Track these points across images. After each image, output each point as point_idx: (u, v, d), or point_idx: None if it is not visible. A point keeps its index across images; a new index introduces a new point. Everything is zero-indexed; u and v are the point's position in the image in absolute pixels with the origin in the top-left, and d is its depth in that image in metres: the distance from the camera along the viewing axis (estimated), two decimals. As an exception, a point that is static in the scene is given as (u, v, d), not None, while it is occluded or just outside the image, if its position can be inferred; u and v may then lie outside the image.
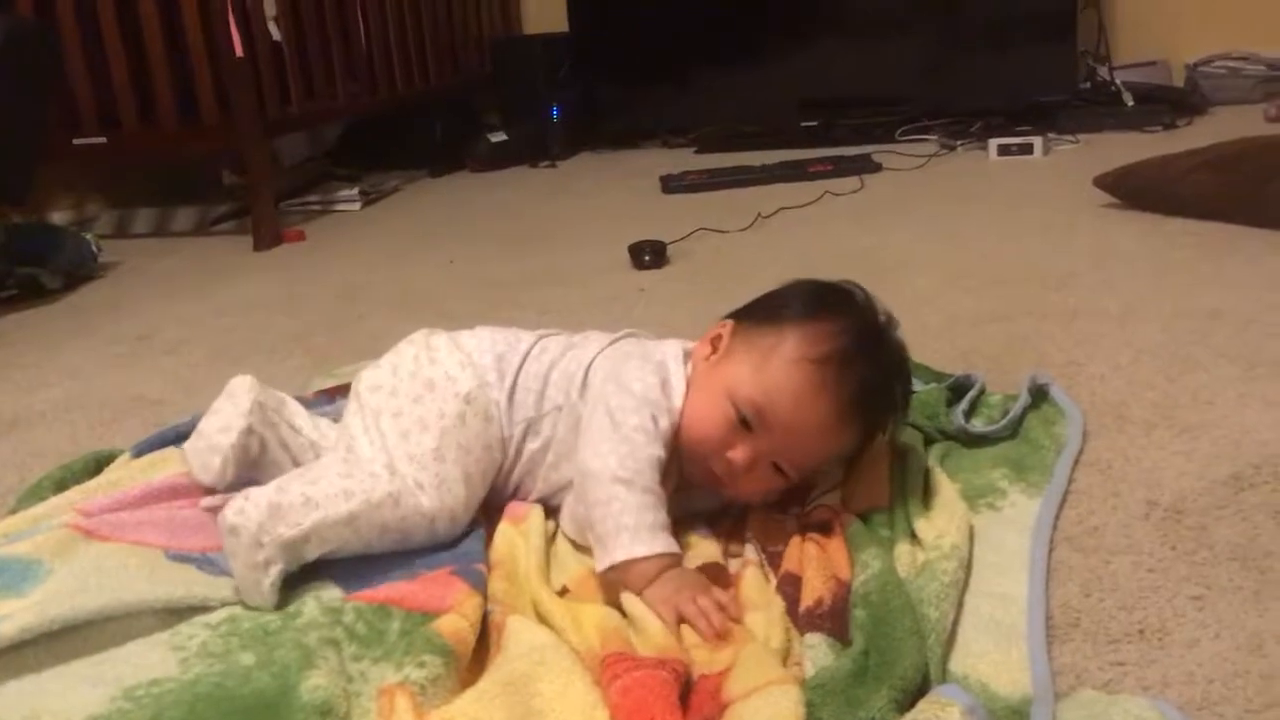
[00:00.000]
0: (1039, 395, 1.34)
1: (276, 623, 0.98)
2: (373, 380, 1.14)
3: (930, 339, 1.65)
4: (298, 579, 1.03)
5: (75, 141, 2.78)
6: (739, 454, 1.04)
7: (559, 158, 3.71)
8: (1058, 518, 1.11)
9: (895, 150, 3.26)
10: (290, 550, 0.99)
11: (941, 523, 1.06)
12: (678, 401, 1.07)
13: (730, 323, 1.13)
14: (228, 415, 1.16)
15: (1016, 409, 1.28)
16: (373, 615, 0.95)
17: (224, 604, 1.02)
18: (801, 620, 0.92)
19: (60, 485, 1.29)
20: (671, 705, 0.77)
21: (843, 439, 1.07)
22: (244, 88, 2.70)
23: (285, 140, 3.90)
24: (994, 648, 0.89)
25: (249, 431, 1.15)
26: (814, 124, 3.60)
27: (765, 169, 3.09)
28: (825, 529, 1.06)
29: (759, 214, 2.56)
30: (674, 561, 0.98)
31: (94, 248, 2.63)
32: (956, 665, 0.88)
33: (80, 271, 2.57)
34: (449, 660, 0.86)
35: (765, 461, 1.05)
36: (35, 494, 1.27)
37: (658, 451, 1.03)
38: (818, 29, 3.64)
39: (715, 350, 1.11)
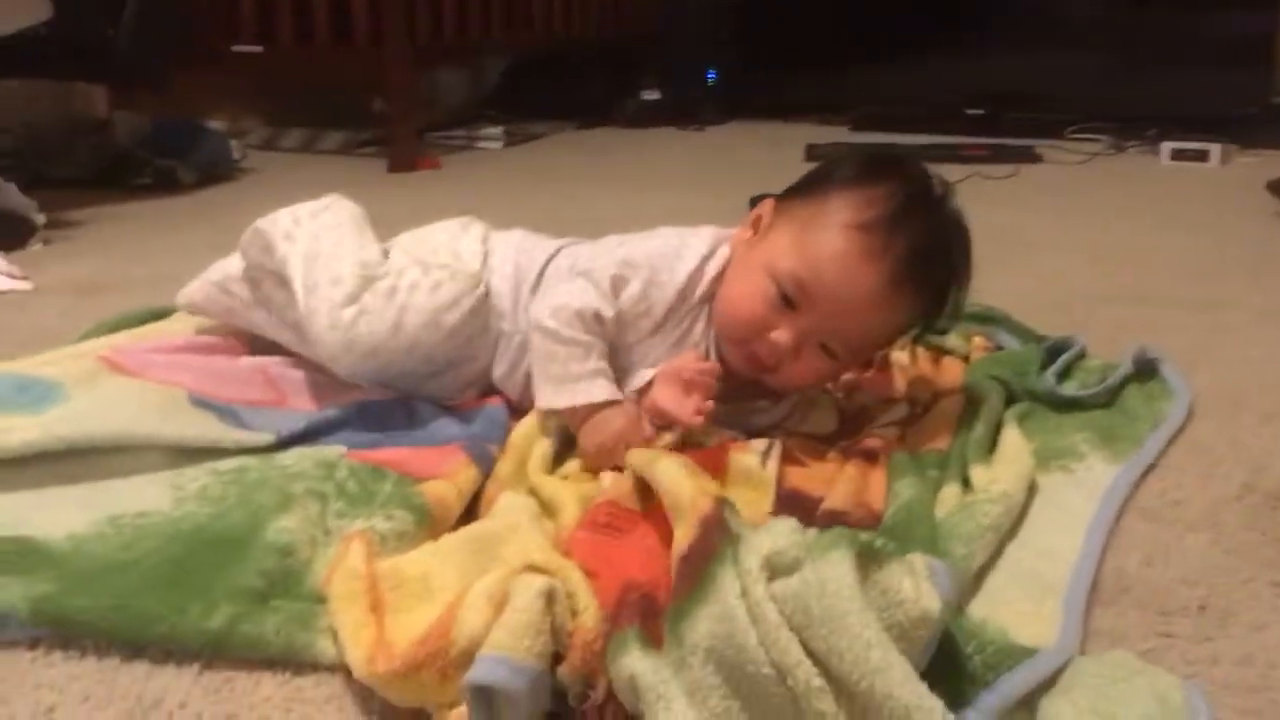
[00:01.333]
0: (1146, 370, 1.21)
1: (275, 474, 0.94)
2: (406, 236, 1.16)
3: (1048, 311, 1.52)
4: (303, 438, 1.01)
5: (234, 48, 2.84)
6: (783, 334, 0.95)
7: (709, 122, 3.64)
8: (1137, 487, 0.99)
9: (1060, 146, 3.07)
10: None
11: (999, 471, 0.95)
12: (683, 272, 1.00)
13: (771, 200, 1.03)
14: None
15: (1115, 377, 1.16)
16: (367, 475, 0.91)
17: (237, 452, 1.00)
18: (820, 518, 0.83)
19: (113, 330, 1.29)
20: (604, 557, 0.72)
21: (896, 312, 0.97)
22: (395, 12, 2.71)
23: (446, 79, 3.94)
24: (1024, 597, 0.80)
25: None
26: (979, 112, 3.43)
27: (918, 149, 2.95)
28: (870, 457, 0.97)
29: (897, 185, 2.44)
30: (596, 410, 0.96)
31: (234, 151, 2.68)
32: (977, 609, 0.78)
33: (216, 170, 2.62)
34: (421, 519, 0.81)
35: (812, 342, 0.96)
36: (87, 336, 1.28)
37: (597, 305, 0.97)
38: (997, 19, 3.46)
39: (756, 231, 1.02)
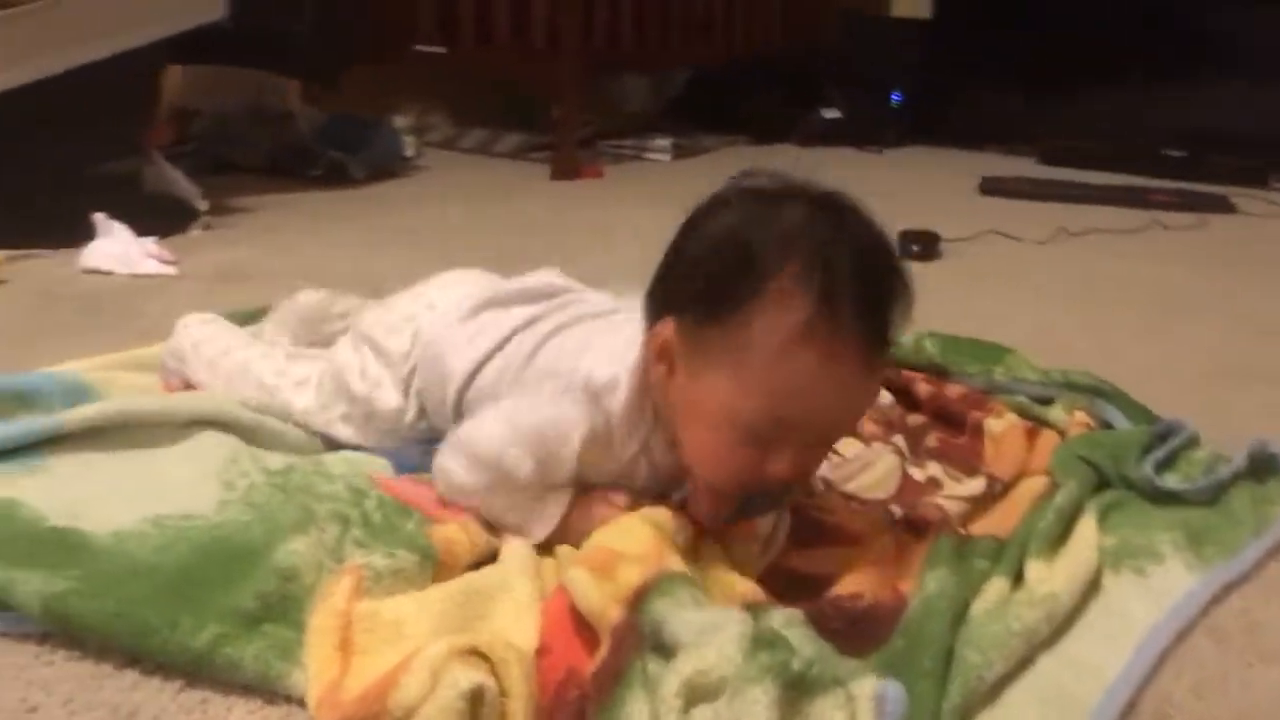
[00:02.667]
0: (1264, 466, 1.10)
1: (313, 480, 0.96)
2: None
3: (1186, 387, 1.42)
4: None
5: (416, 47, 2.94)
6: (780, 465, 0.82)
7: (889, 145, 3.54)
8: (1216, 602, 0.90)
9: (1260, 196, 2.85)
10: None
11: (1058, 567, 0.89)
12: (573, 449, 0.88)
13: (670, 323, 0.85)
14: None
15: (1224, 472, 1.06)
16: (393, 510, 0.90)
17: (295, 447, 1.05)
18: (819, 604, 0.79)
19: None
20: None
21: (872, 384, 0.88)
22: (572, 19, 2.74)
23: (630, 86, 3.97)
24: (1040, 717, 0.73)
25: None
26: (1178, 154, 3.22)
27: (1102, 189, 2.81)
28: (918, 531, 0.91)
29: (1063, 229, 2.32)
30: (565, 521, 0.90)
31: (405, 148, 2.77)
32: (982, 724, 0.72)
33: (386, 166, 2.71)
34: (424, 561, 0.81)
35: (812, 450, 0.86)
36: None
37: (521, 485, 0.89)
38: (1204, 53, 3.24)
39: (668, 365, 0.86)
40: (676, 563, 0.79)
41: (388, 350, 1.07)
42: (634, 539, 0.82)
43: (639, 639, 0.65)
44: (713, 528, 0.88)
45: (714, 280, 0.82)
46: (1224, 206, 2.68)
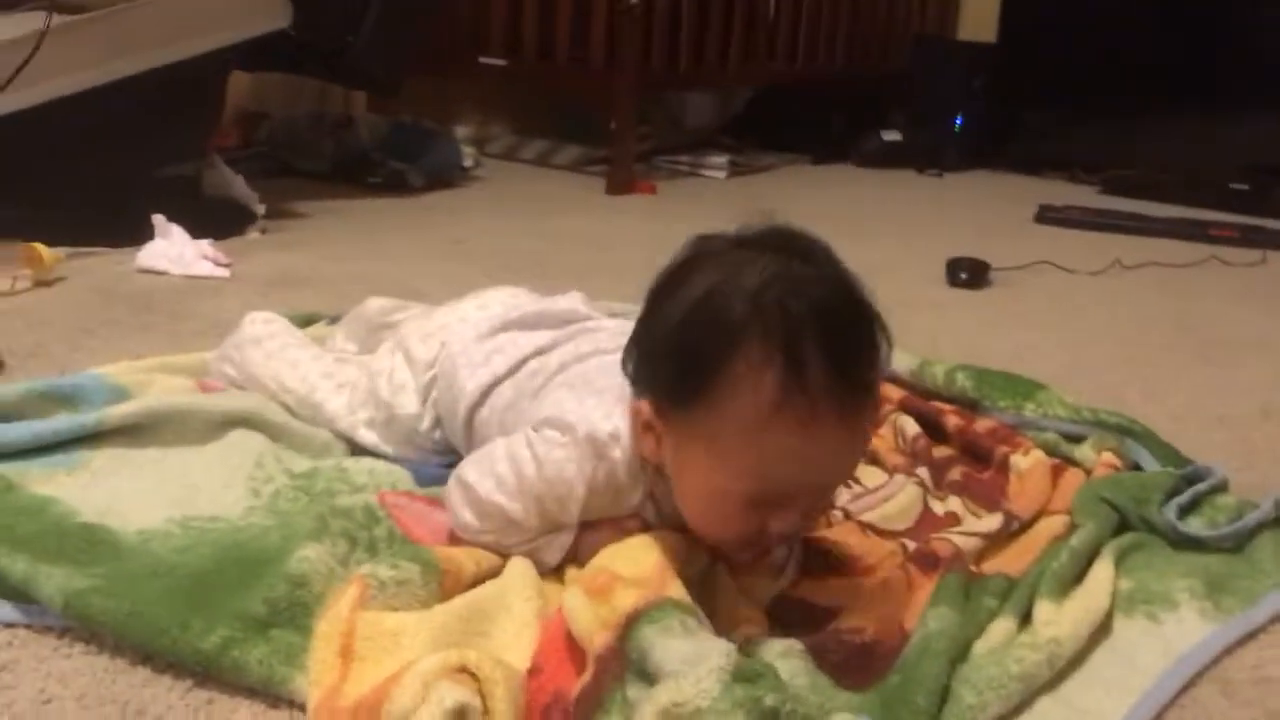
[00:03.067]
0: (1295, 515, 1.08)
1: (340, 494, 0.99)
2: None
3: (1222, 427, 1.40)
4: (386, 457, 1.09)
5: (481, 59, 2.98)
6: (781, 523, 0.83)
7: (950, 169, 3.52)
8: (1229, 654, 0.89)
9: (1330, 233, 2.79)
10: None
11: (1068, 610, 0.88)
12: (574, 507, 0.89)
13: (647, 404, 0.85)
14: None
15: (1249, 519, 1.04)
16: (399, 541, 0.91)
17: (315, 456, 1.08)
18: (819, 634, 0.80)
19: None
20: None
21: (859, 438, 0.86)
22: (630, 36, 2.76)
23: (694, 102, 3.98)
24: (1031, 764, 0.73)
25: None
26: (1244, 188, 3.17)
27: (1162, 221, 2.77)
28: (928, 566, 0.91)
29: (1118, 261, 2.29)
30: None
31: (464, 159, 2.81)
32: (971, 767, 0.72)
33: (444, 176, 2.75)
34: (428, 572, 0.82)
35: (813, 504, 0.88)
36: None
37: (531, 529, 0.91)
38: (1277, 90, 3.17)
39: (654, 437, 0.86)
40: (677, 589, 0.80)
41: (415, 358, 1.11)
42: (637, 563, 0.83)
43: (622, 665, 0.66)
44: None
45: (681, 365, 0.82)
46: (1287, 243, 2.63)
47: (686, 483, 0.85)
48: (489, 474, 0.90)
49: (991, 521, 1.04)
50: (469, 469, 0.92)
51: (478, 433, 1.02)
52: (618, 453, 0.89)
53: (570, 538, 0.92)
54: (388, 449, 1.10)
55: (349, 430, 1.12)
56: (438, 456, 1.09)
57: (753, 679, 0.64)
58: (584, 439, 0.89)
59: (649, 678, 0.65)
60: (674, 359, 0.82)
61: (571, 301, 1.13)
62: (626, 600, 0.73)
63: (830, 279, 0.82)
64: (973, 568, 0.96)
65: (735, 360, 0.78)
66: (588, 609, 0.72)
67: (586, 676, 0.66)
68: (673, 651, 0.65)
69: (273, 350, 1.20)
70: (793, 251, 0.82)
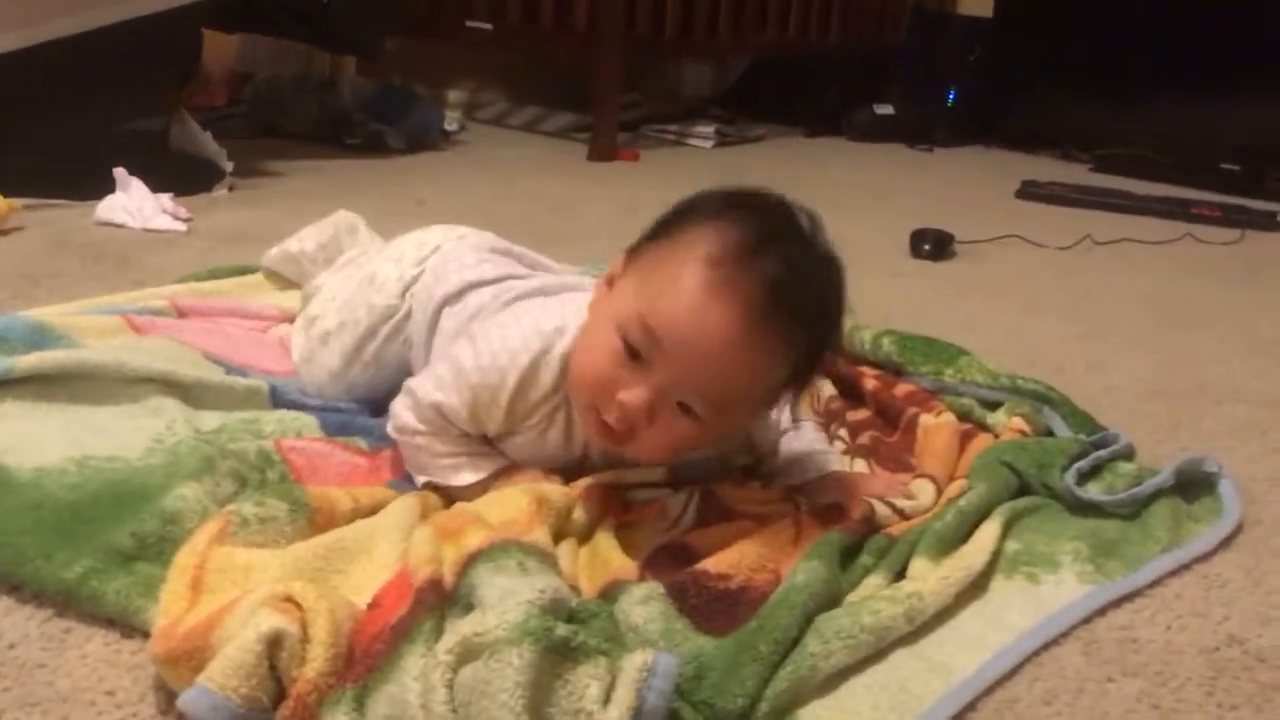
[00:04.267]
0: (1198, 484, 1.08)
1: (241, 435, 1.00)
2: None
3: (1150, 400, 1.39)
4: (302, 406, 1.10)
5: (467, 23, 2.97)
6: (633, 394, 0.83)
7: (941, 144, 3.50)
8: (1101, 614, 0.89)
9: (1313, 215, 2.76)
10: None
11: (943, 568, 0.89)
12: (513, 379, 0.92)
13: (621, 256, 0.93)
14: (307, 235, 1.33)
15: (1147, 485, 1.04)
16: (287, 485, 0.92)
17: (232, 409, 1.07)
18: (682, 578, 0.80)
19: (202, 279, 1.40)
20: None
21: (759, 358, 0.84)
22: (614, 2, 2.75)
23: (691, 71, 3.97)
24: (870, 709, 0.74)
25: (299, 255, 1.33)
26: (1235, 169, 3.14)
27: (1144, 200, 2.75)
28: (830, 519, 0.92)
29: (1089, 236, 2.28)
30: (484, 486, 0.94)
31: (445, 123, 2.81)
32: (808, 714, 0.73)
33: (424, 139, 2.75)
34: (296, 510, 0.83)
35: (668, 401, 0.84)
36: (179, 282, 1.39)
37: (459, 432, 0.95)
38: (1273, 71, 3.13)
39: (610, 287, 0.92)
40: (541, 534, 0.81)
41: (406, 256, 1.14)
42: (505, 508, 0.84)
43: (439, 599, 0.66)
44: (606, 448, 0.92)
45: (671, 215, 0.90)
46: (1268, 224, 2.61)
47: (596, 316, 0.90)
48: (429, 375, 0.96)
49: (922, 495, 1.02)
50: (415, 379, 0.98)
51: (440, 329, 1.06)
52: (559, 345, 0.92)
53: (491, 468, 0.95)
54: (324, 371, 1.13)
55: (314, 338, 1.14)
56: (356, 404, 1.12)
57: (582, 618, 0.65)
58: (528, 327, 0.93)
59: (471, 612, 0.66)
60: (667, 213, 0.91)
61: (561, 267, 1.20)
62: (473, 540, 0.74)
63: (835, 259, 0.89)
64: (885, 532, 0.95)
65: (715, 220, 0.85)
66: (426, 544, 0.73)
67: (404, 608, 0.67)
68: (497, 587, 0.66)
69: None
70: (780, 212, 0.89)
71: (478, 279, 1.07)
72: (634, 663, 0.57)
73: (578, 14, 2.84)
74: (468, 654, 0.58)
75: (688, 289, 0.82)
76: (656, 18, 2.93)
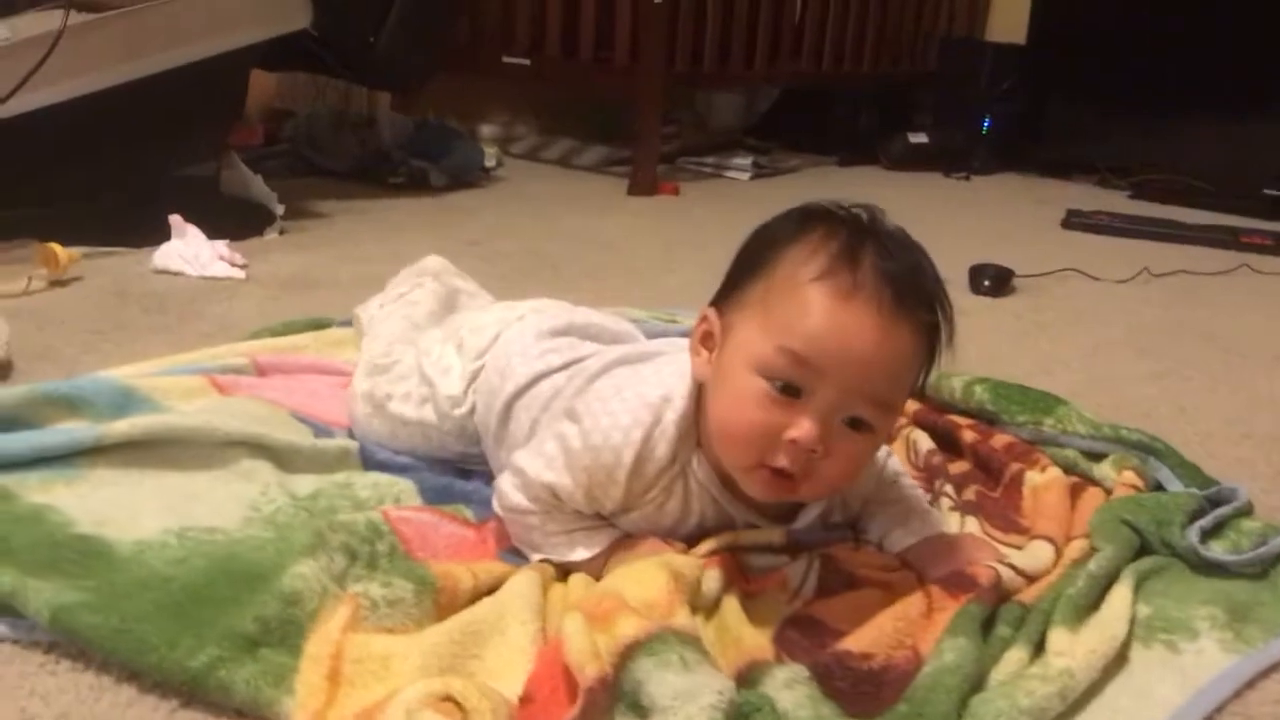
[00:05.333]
0: (1322, 540, 1.05)
1: (339, 503, 0.98)
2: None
3: (1246, 444, 1.36)
4: (394, 468, 1.08)
5: (504, 59, 2.96)
6: (803, 428, 0.82)
7: (978, 172, 3.48)
8: (1251, 686, 0.86)
9: (1365, 241, 2.73)
10: None
11: (1083, 639, 0.85)
12: (629, 456, 0.89)
13: (712, 310, 0.91)
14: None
15: (1274, 544, 1.01)
16: (400, 557, 0.89)
17: (324, 471, 1.06)
18: (825, 659, 0.77)
19: (277, 335, 1.37)
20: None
21: (902, 345, 0.84)
22: (654, 35, 2.74)
23: (720, 103, 3.96)
24: (1039, 801, 0.70)
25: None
26: (1278, 194, 3.11)
27: (1193, 228, 2.72)
28: (959, 587, 0.88)
29: (1146, 269, 2.25)
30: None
31: (485, 159, 2.79)
32: (977, 806, 0.70)
33: (465, 176, 2.74)
34: (422, 590, 0.80)
35: (835, 423, 0.83)
36: (254, 337, 1.37)
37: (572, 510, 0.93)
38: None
39: (709, 345, 0.90)
40: (684, 615, 0.78)
41: (468, 345, 1.12)
42: (645, 587, 0.81)
43: (612, 698, 0.64)
44: (765, 500, 0.90)
45: (748, 254, 0.90)
46: (1321, 251, 2.58)
47: (723, 373, 0.87)
48: (538, 454, 0.93)
49: (1041, 556, 0.99)
50: (521, 455, 0.95)
51: (514, 421, 1.03)
52: (670, 413, 0.90)
53: (606, 540, 0.92)
54: (408, 434, 1.11)
55: (385, 401, 1.12)
56: (457, 445, 1.10)
57: (748, 715, 0.62)
58: (634, 401, 0.91)
59: (642, 712, 0.63)
60: (742, 255, 0.90)
61: (626, 325, 1.16)
62: (628, 629, 0.71)
63: (908, 236, 0.90)
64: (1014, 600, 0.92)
65: (801, 240, 0.85)
66: (584, 636, 0.70)
67: (575, 710, 0.64)
68: (668, 686, 0.63)
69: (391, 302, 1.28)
70: (848, 213, 0.89)
71: (545, 369, 1.04)
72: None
73: (618, 48, 2.83)
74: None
75: (818, 307, 0.82)
76: (695, 49, 2.92)
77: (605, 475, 0.89)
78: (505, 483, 0.94)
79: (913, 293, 0.84)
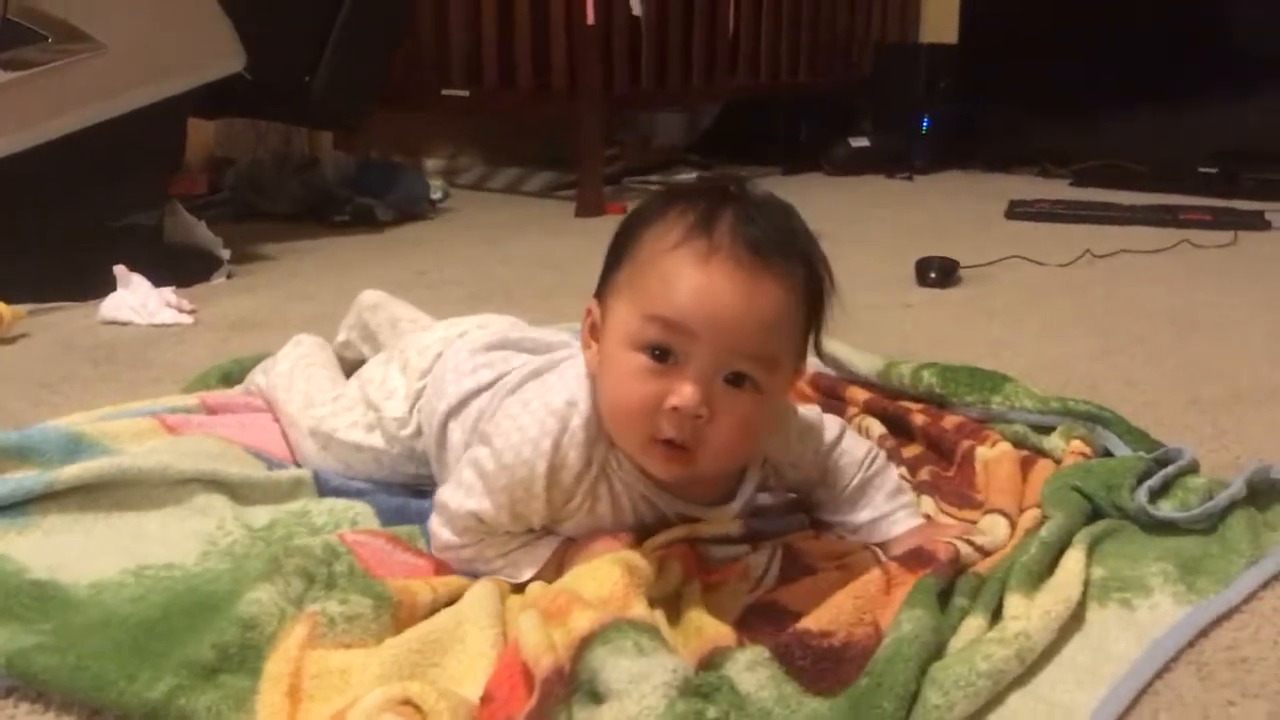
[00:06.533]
0: (1266, 492, 1.07)
1: (296, 530, 0.98)
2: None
3: (1191, 409, 1.39)
4: (350, 492, 1.08)
5: (443, 92, 2.98)
6: (683, 393, 0.81)
7: (921, 171, 3.52)
8: (1205, 635, 0.87)
9: (1299, 212, 2.79)
10: None
11: (1039, 602, 0.86)
12: (542, 468, 0.89)
13: (594, 303, 0.92)
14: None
15: (1221, 498, 1.03)
16: (359, 576, 0.89)
17: (280, 501, 1.05)
18: (786, 639, 0.78)
19: (226, 377, 1.37)
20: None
21: (774, 299, 0.84)
22: (591, 57, 2.76)
23: (662, 119, 3.99)
24: (1003, 760, 0.71)
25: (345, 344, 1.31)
26: (1212, 171, 3.17)
27: (1133, 209, 2.77)
28: (918, 563, 0.89)
29: (1088, 251, 2.29)
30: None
31: (431, 191, 2.80)
32: (941, 769, 0.71)
33: (412, 210, 2.74)
34: (380, 605, 0.80)
35: (716, 382, 0.83)
36: (201, 381, 1.36)
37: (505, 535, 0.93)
38: (1241, 74, 3.17)
39: (596, 337, 0.90)
40: (640, 607, 0.79)
41: (411, 366, 1.13)
42: (599, 583, 0.81)
43: (568, 688, 0.64)
44: (672, 480, 0.90)
45: (615, 243, 0.90)
46: (1258, 223, 2.63)
47: (604, 357, 0.88)
48: (457, 485, 0.92)
49: (997, 531, 1.00)
50: (442, 490, 0.95)
51: (449, 442, 1.03)
52: (576, 418, 0.90)
53: (548, 550, 0.92)
54: (361, 458, 1.11)
55: (344, 433, 1.12)
56: (409, 468, 1.10)
57: (707, 694, 0.63)
58: (540, 411, 0.90)
59: (599, 698, 0.64)
60: (613, 243, 0.91)
61: (563, 336, 1.14)
62: (582, 622, 0.72)
63: (774, 198, 0.89)
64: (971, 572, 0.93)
65: (662, 213, 0.86)
66: (539, 631, 0.71)
67: (532, 701, 0.64)
68: (622, 670, 0.64)
69: (296, 362, 1.25)
70: (711, 185, 0.90)
71: (475, 387, 1.04)
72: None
73: (555, 74, 2.85)
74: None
75: (683, 272, 0.83)
76: (632, 71, 2.94)
77: (524, 491, 0.89)
78: (433, 523, 0.94)
79: (776, 249, 0.84)
